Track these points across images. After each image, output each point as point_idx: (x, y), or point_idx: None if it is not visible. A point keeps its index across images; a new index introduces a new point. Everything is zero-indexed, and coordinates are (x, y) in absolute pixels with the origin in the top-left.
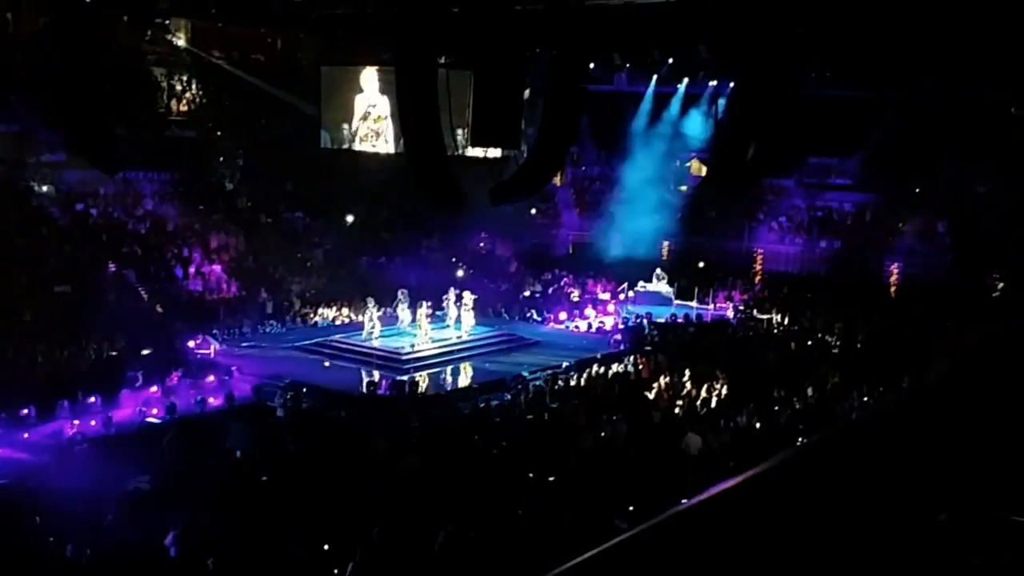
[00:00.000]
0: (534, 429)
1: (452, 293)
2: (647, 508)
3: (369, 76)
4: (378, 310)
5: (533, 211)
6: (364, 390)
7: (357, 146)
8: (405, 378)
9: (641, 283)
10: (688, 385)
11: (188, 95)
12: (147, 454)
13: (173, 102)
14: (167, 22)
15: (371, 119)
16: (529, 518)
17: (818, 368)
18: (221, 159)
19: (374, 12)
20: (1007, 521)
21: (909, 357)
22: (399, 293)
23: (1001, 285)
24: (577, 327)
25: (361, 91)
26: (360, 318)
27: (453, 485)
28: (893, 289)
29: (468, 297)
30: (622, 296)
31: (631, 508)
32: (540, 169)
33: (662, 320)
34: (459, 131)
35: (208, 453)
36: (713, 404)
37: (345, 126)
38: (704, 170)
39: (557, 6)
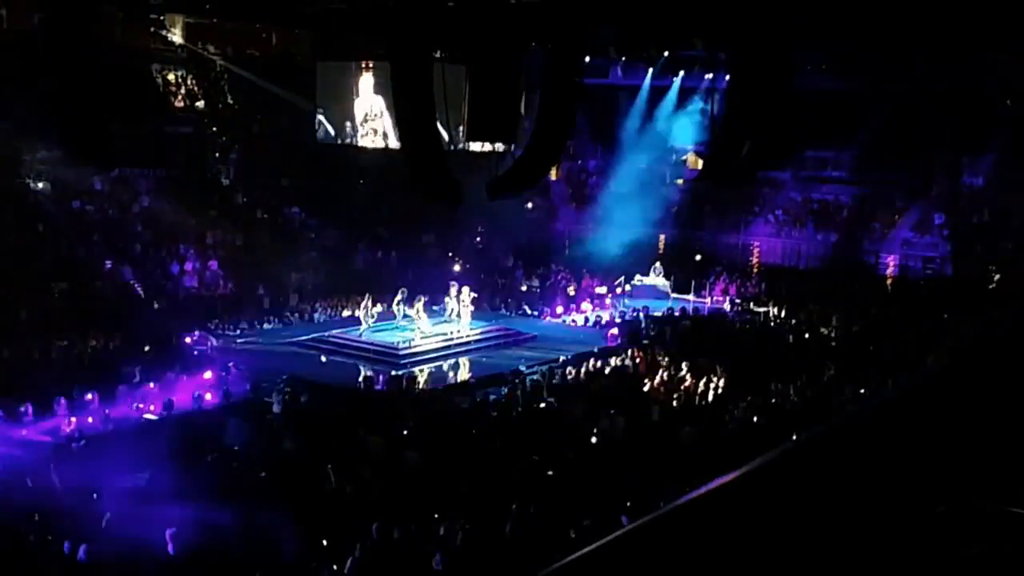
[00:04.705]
0: (532, 424)
1: (453, 288)
2: (646, 502)
3: (365, 80)
4: (374, 306)
5: (529, 205)
6: (362, 386)
7: (354, 142)
8: (402, 373)
9: (638, 277)
10: (686, 379)
11: (183, 91)
12: (145, 451)
13: (168, 98)
14: (162, 18)
15: (370, 121)
16: (528, 513)
17: (815, 361)
18: (217, 155)
19: (369, 6)
20: (1006, 513)
21: (906, 349)
22: (399, 292)
23: (998, 277)
24: (574, 321)
25: (358, 95)
26: (357, 314)
27: (451, 480)
28: (890, 281)
29: (467, 293)
30: (619, 290)
31: (629, 503)
32: (537, 163)
33: (659, 314)
34: (455, 126)
35: (206, 450)
36: (710, 398)
37: (342, 122)
38: (700, 163)
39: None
